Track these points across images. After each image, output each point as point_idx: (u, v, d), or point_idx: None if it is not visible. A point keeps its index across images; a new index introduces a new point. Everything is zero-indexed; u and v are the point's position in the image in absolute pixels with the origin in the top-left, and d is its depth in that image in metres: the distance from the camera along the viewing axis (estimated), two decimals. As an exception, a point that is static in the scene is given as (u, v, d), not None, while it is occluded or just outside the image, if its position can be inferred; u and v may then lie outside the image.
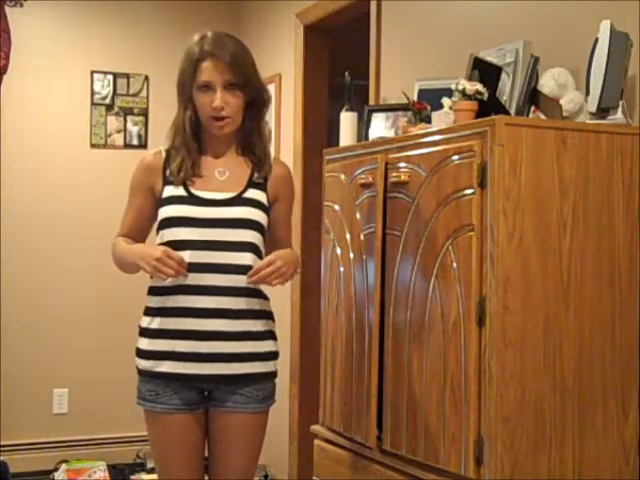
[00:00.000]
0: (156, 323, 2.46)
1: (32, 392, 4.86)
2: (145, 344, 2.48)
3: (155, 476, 2.65)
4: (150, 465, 4.66)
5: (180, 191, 2.46)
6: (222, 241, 2.43)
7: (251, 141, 2.54)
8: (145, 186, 2.53)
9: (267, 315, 2.53)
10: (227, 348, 2.43)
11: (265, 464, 4.54)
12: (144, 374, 2.48)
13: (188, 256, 2.41)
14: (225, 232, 2.44)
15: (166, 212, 2.46)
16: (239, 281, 2.43)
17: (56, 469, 4.70)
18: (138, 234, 2.56)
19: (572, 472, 2.15)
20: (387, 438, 2.47)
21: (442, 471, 2.23)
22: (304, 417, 4.30)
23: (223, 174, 2.51)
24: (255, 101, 2.51)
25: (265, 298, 2.52)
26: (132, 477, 4.75)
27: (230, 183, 2.50)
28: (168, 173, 2.50)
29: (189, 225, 2.43)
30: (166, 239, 2.45)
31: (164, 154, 2.53)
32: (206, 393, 2.50)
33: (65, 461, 4.75)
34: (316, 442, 2.88)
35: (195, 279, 2.41)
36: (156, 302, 2.47)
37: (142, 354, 2.48)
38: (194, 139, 2.50)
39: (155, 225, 2.53)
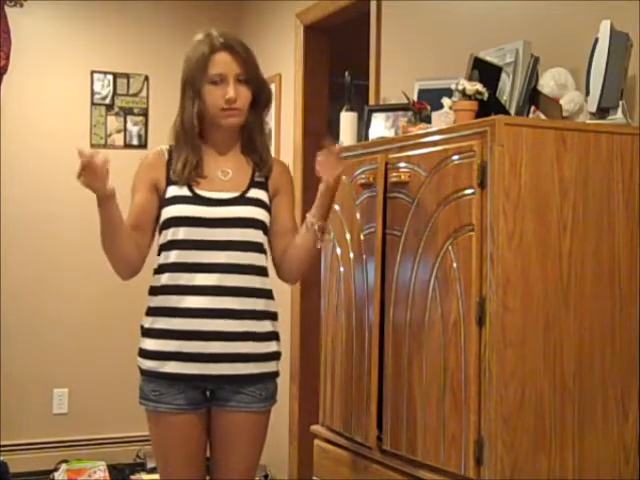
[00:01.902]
0: (160, 323, 2.45)
1: (32, 392, 4.86)
2: (149, 344, 2.47)
3: (155, 476, 2.65)
4: (150, 465, 4.66)
5: (184, 191, 2.46)
6: (227, 240, 2.44)
7: (254, 139, 2.55)
8: (148, 183, 2.50)
9: (272, 315, 2.53)
10: (233, 348, 2.43)
11: (265, 464, 4.54)
12: (148, 374, 2.47)
13: (193, 256, 2.42)
14: (230, 231, 2.44)
15: (170, 212, 2.46)
16: (244, 281, 2.44)
17: (56, 469, 4.71)
18: (141, 233, 2.49)
19: (572, 472, 2.15)
20: (387, 438, 2.47)
21: (442, 471, 2.23)
22: (304, 417, 4.30)
23: (226, 174, 2.51)
24: (259, 98, 2.52)
25: (270, 298, 2.52)
26: (132, 477, 4.75)
27: (233, 183, 2.50)
28: (171, 172, 2.49)
29: (194, 225, 2.43)
30: (169, 238, 2.45)
31: (166, 154, 2.53)
32: (208, 393, 2.50)
33: (65, 461, 4.75)
34: (316, 442, 2.88)
35: (200, 279, 2.42)
36: (159, 302, 2.47)
37: (146, 354, 2.48)
38: (199, 136, 2.50)
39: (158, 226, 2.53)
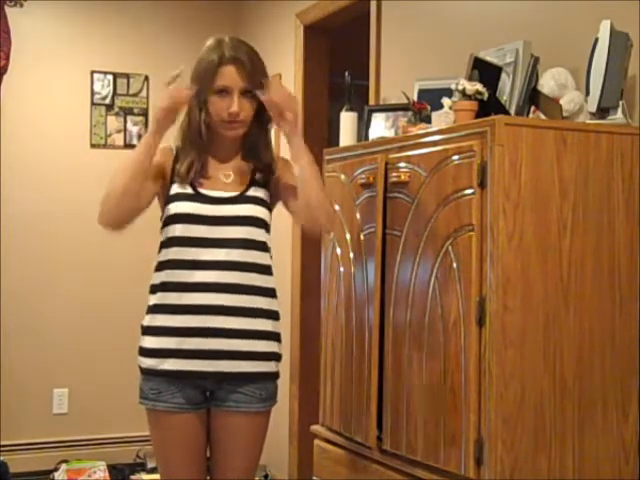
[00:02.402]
0: (159, 321, 2.46)
1: (32, 392, 4.86)
2: (148, 342, 2.47)
3: (155, 476, 2.66)
4: (150, 465, 4.66)
5: (187, 189, 2.48)
6: (227, 238, 2.44)
7: (258, 148, 2.55)
8: (155, 162, 2.46)
9: (273, 314, 2.53)
10: (232, 346, 2.43)
11: (265, 464, 4.54)
12: (147, 372, 2.47)
13: (192, 253, 2.42)
14: (231, 229, 2.45)
15: (173, 209, 2.47)
16: (245, 278, 2.45)
17: (56, 469, 4.71)
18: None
19: (572, 472, 2.15)
20: (387, 438, 2.47)
21: (442, 471, 2.23)
22: (304, 417, 4.30)
23: (228, 177, 2.53)
24: (264, 109, 2.51)
25: (273, 297, 2.52)
26: (132, 477, 4.75)
27: (234, 184, 2.52)
28: (176, 172, 2.50)
29: (196, 222, 2.44)
30: (169, 235, 2.46)
31: (175, 151, 2.54)
32: (208, 393, 2.50)
33: (65, 461, 4.75)
34: (316, 442, 2.88)
35: (200, 276, 2.42)
36: (158, 299, 2.47)
37: (146, 352, 2.48)
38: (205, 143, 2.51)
39: (160, 223, 2.52)
